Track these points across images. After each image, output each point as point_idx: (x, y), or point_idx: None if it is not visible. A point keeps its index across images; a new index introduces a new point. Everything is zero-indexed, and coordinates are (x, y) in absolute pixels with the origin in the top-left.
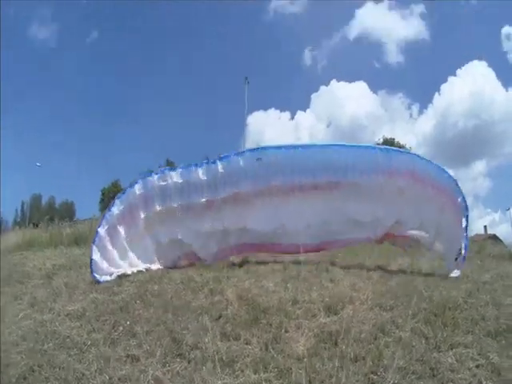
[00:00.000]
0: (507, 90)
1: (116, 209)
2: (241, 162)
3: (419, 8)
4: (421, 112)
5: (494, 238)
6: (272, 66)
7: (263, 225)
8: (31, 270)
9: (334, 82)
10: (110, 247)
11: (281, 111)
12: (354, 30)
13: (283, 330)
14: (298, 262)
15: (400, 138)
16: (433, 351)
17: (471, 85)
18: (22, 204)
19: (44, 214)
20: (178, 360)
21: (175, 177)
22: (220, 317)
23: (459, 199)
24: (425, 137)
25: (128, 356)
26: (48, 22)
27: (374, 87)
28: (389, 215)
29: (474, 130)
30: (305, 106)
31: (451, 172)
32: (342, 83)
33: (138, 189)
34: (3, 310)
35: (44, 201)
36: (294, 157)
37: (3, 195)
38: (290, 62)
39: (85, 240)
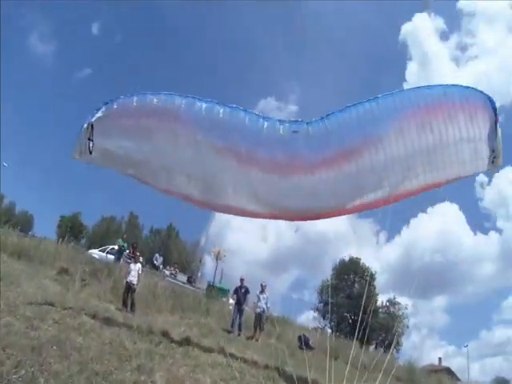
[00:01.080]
0: (475, 234)
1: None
2: (281, 131)
3: None
4: (388, 241)
5: (449, 371)
6: None
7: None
8: None
9: None
10: None
11: None
12: None
13: None
14: (245, 360)
15: (365, 260)
16: None
17: (440, 224)
18: None
19: (1, 215)
20: None
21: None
22: None
23: (481, 100)
24: (389, 264)
25: None
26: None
27: None
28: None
29: (439, 266)
30: None
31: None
32: None
33: None
34: None
35: (5, 204)
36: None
37: None
38: None
39: (28, 257)
